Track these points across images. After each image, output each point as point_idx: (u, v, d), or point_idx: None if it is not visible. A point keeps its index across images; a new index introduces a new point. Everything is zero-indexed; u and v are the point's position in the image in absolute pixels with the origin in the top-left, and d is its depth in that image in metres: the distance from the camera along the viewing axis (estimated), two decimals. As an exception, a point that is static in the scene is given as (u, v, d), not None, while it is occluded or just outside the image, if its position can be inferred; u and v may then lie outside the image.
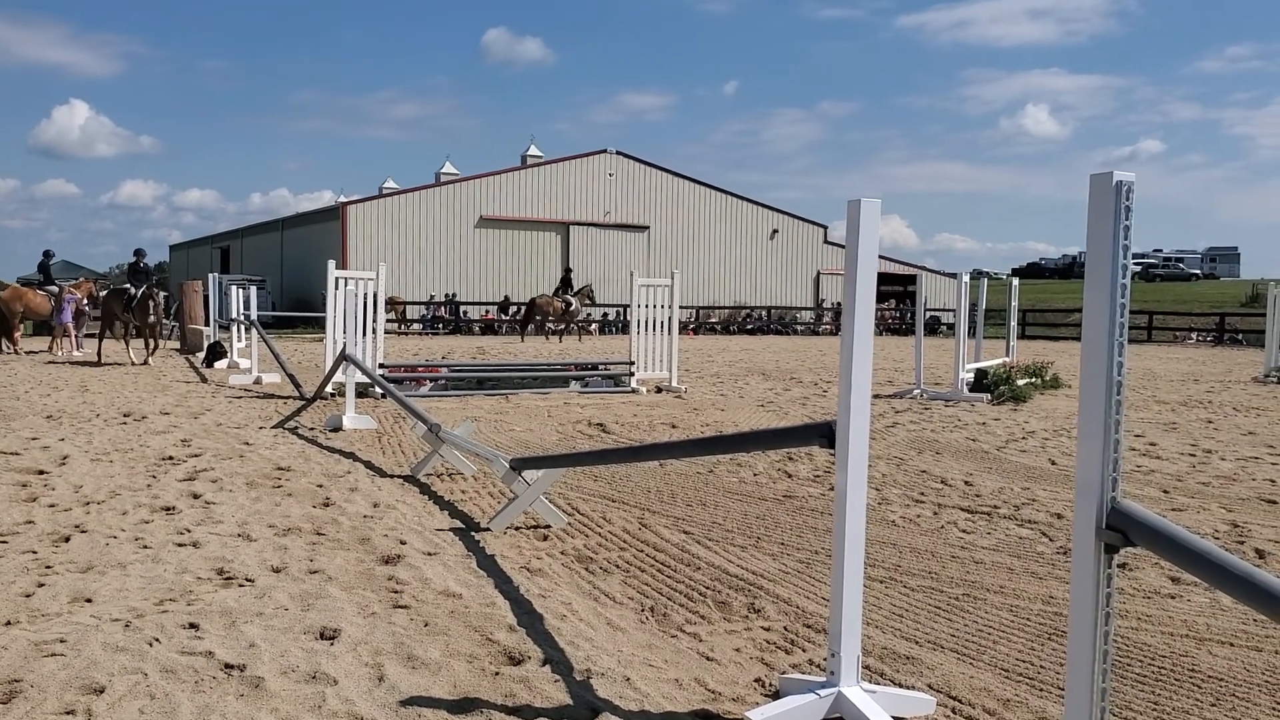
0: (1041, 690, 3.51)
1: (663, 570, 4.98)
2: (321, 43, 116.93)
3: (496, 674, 3.58)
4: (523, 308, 34.93)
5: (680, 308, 15.65)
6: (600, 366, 15.42)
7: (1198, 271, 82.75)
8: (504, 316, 39.39)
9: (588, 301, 34.77)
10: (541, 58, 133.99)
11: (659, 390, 14.47)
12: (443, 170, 49.70)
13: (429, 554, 5.21)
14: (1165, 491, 7.14)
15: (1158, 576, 4.85)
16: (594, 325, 39.17)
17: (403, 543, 5.42)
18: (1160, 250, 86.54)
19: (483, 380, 14.28)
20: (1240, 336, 35.09)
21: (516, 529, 5.76)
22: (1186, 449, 9.24)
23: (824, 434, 3.40)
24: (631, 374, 14.54)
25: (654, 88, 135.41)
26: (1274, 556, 5.35)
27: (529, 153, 48.56)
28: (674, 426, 10.65)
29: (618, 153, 47.69)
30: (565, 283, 33.78)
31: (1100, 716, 2.44)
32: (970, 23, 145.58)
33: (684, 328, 36.43)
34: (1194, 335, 37.41)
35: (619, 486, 7.04)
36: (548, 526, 5.81)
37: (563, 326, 33.32)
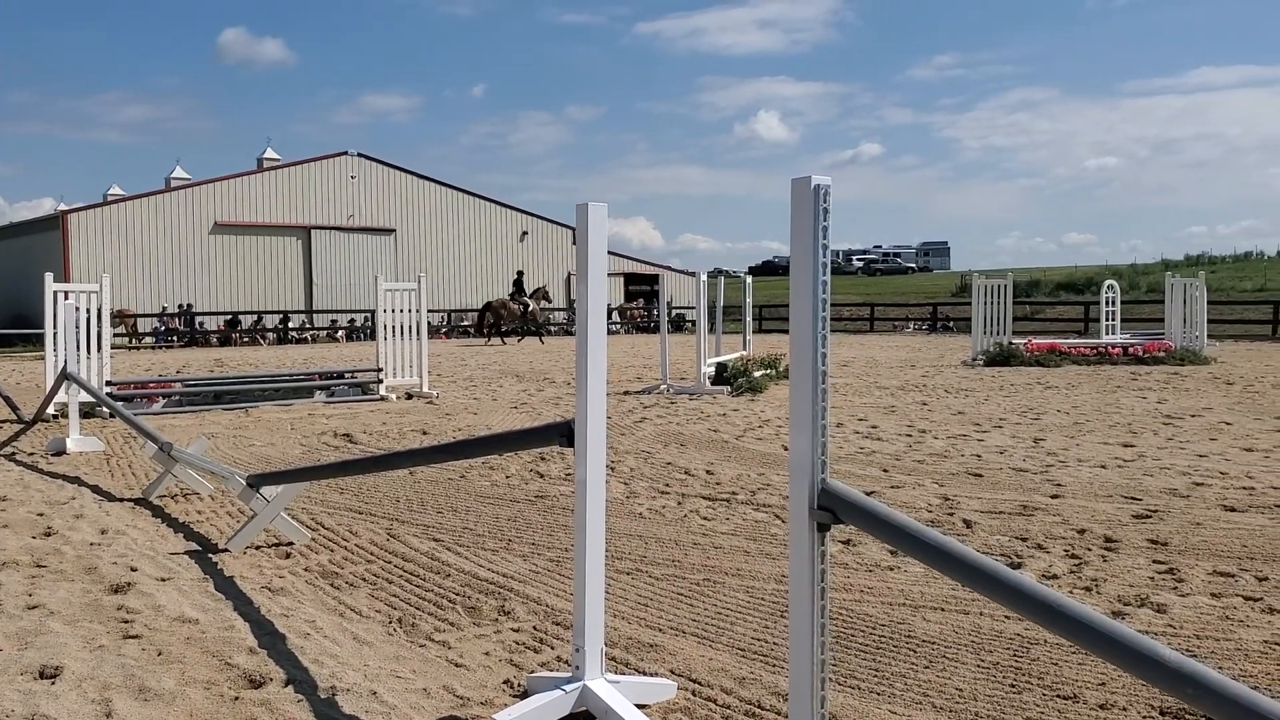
0: (774, 666, 3.73)
1: (411, 580, 4.93)
2: (39, 40, 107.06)
3: (236, 699, 3.45)
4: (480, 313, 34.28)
5: (431, 311, 15.47)
6: (346, 374, 15.01)
7: (913, 265, 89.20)
8: (235, 332, 37.69)
9: (545, 303, 34.17)
10: (282, 59, 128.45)
11: (410, 397, 14.25)
12: (173, 175, 46.81)
13: (163, 579, 4.94)
14: (885, 470, 7.71)
15: (879, 551, 5.23)
16: (554, 326, 38.68)
17: (134, 569, 5.11)
18: (880, 246, 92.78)
19: (220, 394, 13.58)
20: (951, 324, 38.14)
21: (257, 548, 5.55)
22: (904, 430, 9.99)
23: (563, 433, 3.48)
24: (380, 381, 14.24)
25: (399, 89, 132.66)
26: (980, 526, 5.87)
27: (265, 155, 46.48)
28: (425, 433, 10.52)
29: (360, 155, 46.45)
30: (518, 286, 32.86)
31: (821, 686, 2.62)
32: (703, 31, 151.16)
33: (436, 331, 36.00)
34: (911, 324, 40.40)
35: (366, 498, 6.91)
36: (290, 543, 5.62)
37: (528, 329, 32.27)
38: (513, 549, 5.51)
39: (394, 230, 46.62)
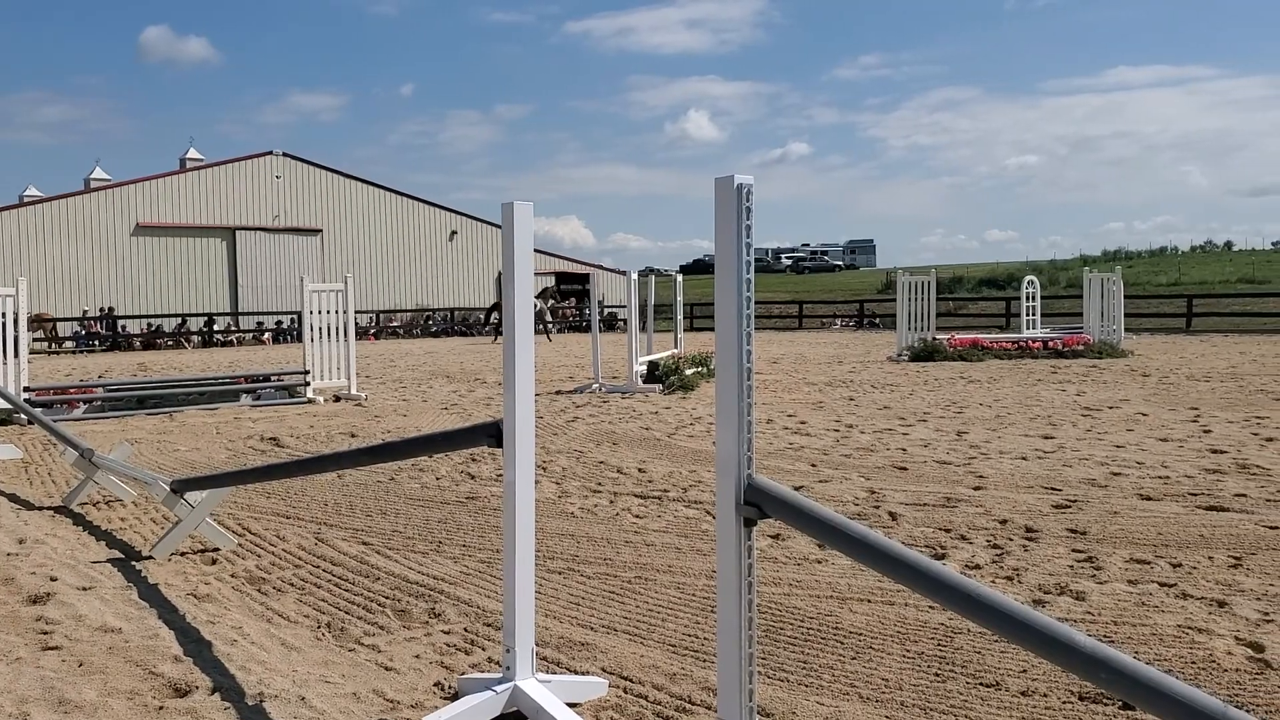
0: (705, 661, 3.76)
1: (340, 584, 4.88)
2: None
3: (161, 708, 3.39)
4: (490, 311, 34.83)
5: (359, 312, 15.31)
6: (273, 377, 14.77)
7: (840, 263, 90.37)
8: (160, 336, 36.93)
9: (552, 301, 34.45)
10: (207, 57, 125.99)
11: (338, 399, 14.08)
12: (93, 176, 45.66)
13: (84, 589, 4.83)
14: (813, 465, 7.80)
15: (807, 544, 5.30)
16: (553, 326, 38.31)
17: (54, 579, 4.98)
18: (808, 244, 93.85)
19: (144, 399, 13.28)
20: (877, 320, 38.70)
21: (182, 554, 5.44)
22: (832, 425, 10.12)
23: (491, 433, 3.47)
24: (307, 384, 14.04)
25: (326, 88, 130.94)
26: (905, 518, 5.97)
27: (188, 156, 45.58)
28: (353, 435, 10.40)
29: (285, 154, 45.72)
30: None
31: (749, 680, 2.66)
32: (632, 30, 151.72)
33: (365, 332, 35.55)
34: (839, 321, 40.88)
35: (294, 502, 6.81)
36: (216, 549, 5.53)
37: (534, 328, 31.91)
38: (443, 551, 5.48)
39: (321, 230, 45.99)
